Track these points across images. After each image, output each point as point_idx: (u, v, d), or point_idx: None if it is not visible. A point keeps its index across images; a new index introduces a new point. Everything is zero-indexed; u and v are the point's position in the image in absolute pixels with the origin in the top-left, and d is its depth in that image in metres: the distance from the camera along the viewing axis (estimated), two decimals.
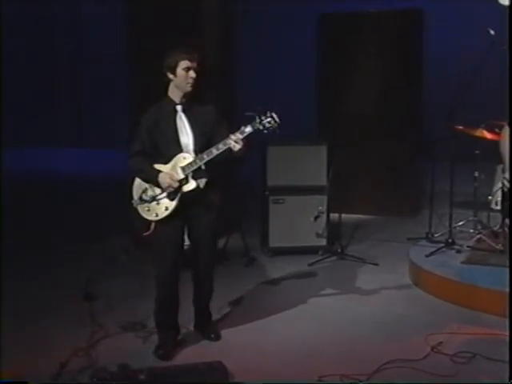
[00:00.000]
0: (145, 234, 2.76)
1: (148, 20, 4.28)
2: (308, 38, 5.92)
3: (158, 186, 2.73)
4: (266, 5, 7.76)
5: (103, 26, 8.41)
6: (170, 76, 2.75)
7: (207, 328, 3.00)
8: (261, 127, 2.64)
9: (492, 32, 3.56)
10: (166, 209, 2.73)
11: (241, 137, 2.65)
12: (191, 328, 3.03)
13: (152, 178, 2.74)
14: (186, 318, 3.00)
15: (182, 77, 2.72)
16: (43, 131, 9.15)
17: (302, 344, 2.93)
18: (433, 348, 2.80)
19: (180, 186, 2.72)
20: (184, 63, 2.72)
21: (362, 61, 5.28)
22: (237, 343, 2.94)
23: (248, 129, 2.66)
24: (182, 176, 2.71)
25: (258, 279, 3.84)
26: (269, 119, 2.64)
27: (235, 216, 4.38)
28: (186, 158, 2.72)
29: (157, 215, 2.73)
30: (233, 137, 2.64)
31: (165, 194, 2.72)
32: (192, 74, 2.72)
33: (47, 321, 3.15)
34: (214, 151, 2.67)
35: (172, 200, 2.72)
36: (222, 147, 2.67)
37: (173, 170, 2.72)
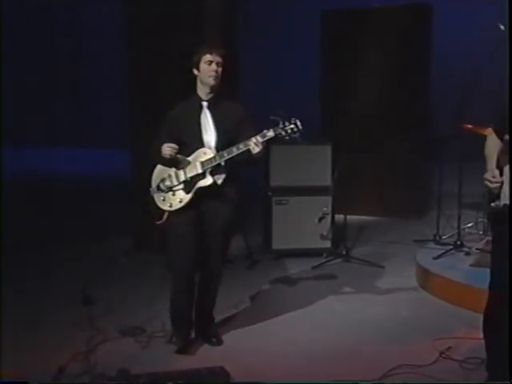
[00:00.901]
0: (157, 222, 2.81)
1: (148, 20, 4.29)
2: (311, 35, 5.90)
3: (163, 159, 2.76)
4: (267, 3, 7.76)
5: (103, 26, 8.43)
6: (196, 72, 2.80)
7: (208, 332, 2.97)
8: (283, 133, 2.67)
9: (502, 27, 3.52)
10: (180, 201, 2.77)
11: (261, 140, 2.67)
12: (192, 332, 3.00)
13: (158, 152, 2.77)
14: None
15: (205, 71, 2.77)
16: (43, 131, 9.18)
17: (305, 348, 2.90)
18: (441, 353, 2.76)
19: (196, 181, 2.76)
20: (206, 57, 2.77)
21: (366, 59, 5.24)
22: (239, 347, 2.91)
23: (270, 133, 2.69)
24: (200, 171, 2.74)
25: (260, 282, 3.82)
26: (292, 126, 2.66)
27: (237, 217, 4.35)
28: (207, 153, 2.75)
29: (171, 206, 2.78)
30: (253, 139, 2.68)
31: (181, 186, 2.76)
32: (214, 67, 2.76)
33: (45, 324, 3.13)
34: (234, 150, 2.70)
35: (187, 193, 2.76)
36: (242, 147, 2.70)
37: (192, 163, 2.76)
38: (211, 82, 2.77)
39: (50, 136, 9.16)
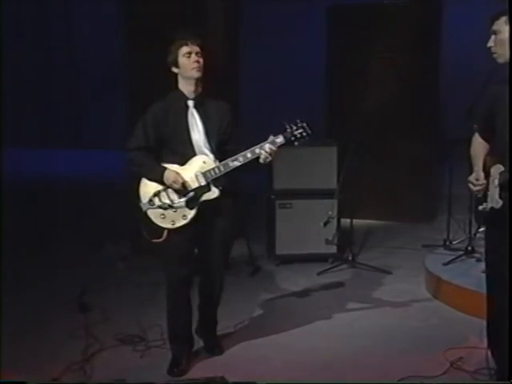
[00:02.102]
0: (155, 240, 2.66)
1: (147, 19, 4.31)
2: (316, 32, 5.91)
3: (162, 183, 2.64)
4: None
5: (101, 25, 8.48)
6: (175, 70, 2.67)
7: (210, 339, 2.93)
8: (292, 138, 2.60)
9: None
10: (185, 217, 2.64)
11: (274, 149, 2.59)
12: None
13: (156, 175, 2.63)
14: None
15: (185, 64, 2.63)
16: (40, 132, 9.23)
17: (309, 358, 2.89)
18: (452, 364, 2.75)
19: (200, 194, 2.63)
20: (183, 49, 2.63)
21: (375, 57, 5.24)
22: (241, 357, 2.90)
23: (280, 139, 2.60)
24: (203, 183, 2.63)
25: (264, 289, 3.81)
26: (300, 130, 2.59)
27: (239, 221, 4.35)
28: (207, 162, 2.63)
29: (173, 223, 2.64)
30: (267, 149, 2.57)
31: (183, 203, 2.63)
32: (194, 57, 2.62)
33: (39, 332, 3.12)
34: (241, 159, 2.59)
35: (191, 209, 2.63)
36: (249, 156, 2.59)
37: (191, 173, 2.62)
38: (195, 74, 2.62)
39: (48, 137, 9.21)
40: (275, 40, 8.02)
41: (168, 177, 2.62)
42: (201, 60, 2.65)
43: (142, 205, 2.68)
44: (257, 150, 2.59)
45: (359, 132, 4.36)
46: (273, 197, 4.26)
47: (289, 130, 2.60)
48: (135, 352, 2.94)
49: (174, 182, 2.61)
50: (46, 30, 9.34)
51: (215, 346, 2.94)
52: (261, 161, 2.61)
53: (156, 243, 2.69)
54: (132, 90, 4.49)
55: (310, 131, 2.60)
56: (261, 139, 2.73)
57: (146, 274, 3.98)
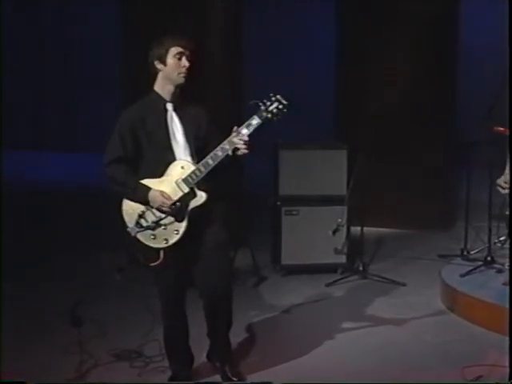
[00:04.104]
0: (154, 264, 2.57)
1: (146, 20, 4.34)
2: (325, 26, 5.92)
3: (148, 204, 2.57)
4: None
5: (98, 26, 8.57)
6: (159, 66, 2.60)
7: (226, 366, 2.79)
8: (269, 115, 2.51)
9: None
10: (177, 232, 2.55)
11: (248, 132, 2.50)
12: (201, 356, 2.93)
13: (140, 197, 2.56)
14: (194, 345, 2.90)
15: (174, 66, 2.57)
16: (35, 135, 9.30)
17: (319, 376, 2.86)
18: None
19: (186, 203, 2.54)
20: (175, 49, 2.57)
21: (387, 54, 5.24)
22: (248, 373, 2.86)
23: (255, 121, 2.52)
24: (186, 190, 2.55)
25: (268, 301, 3.81)
26: (275, 104, 2.51)
27: (242, 230, 4.35)
28: (185, 167, 2.55)
29: (167, 241, 2.56)
30: (241, 133, 2.49)
31: (171, 217, 2.54)
32: (185, 61, 2.57)
33: (30, 347, 3.12)
34: (220, 153, 2.51)
35: (181, 221, 2.55)
36: (228, 147, 2.52)
37: (169, 184, 2.54)
38: (181, 80, 2.57)
39: (44, 140, 9.28)
40: (279, 39, 8.05)
41: (154, 200, 2.54)
42: (188, 65, 2.59)
43: (129, 230, 2.60)
44: (234, 139, 2.52)
45: (370, 135, 4.36)
46: (279, 203, 4.25)
47: (263, 108, 2.52)
48: (132, 368, 2.93)
49: (162, 205, 2.54)
50: (46, 31, 9.45)
51: (233, 375, 2.77)
52: (239, 149, 2.52)
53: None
54: (130, 93, 4.52)
55: (285, 102, 2.52)
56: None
57: (143, 286, 3.98)
